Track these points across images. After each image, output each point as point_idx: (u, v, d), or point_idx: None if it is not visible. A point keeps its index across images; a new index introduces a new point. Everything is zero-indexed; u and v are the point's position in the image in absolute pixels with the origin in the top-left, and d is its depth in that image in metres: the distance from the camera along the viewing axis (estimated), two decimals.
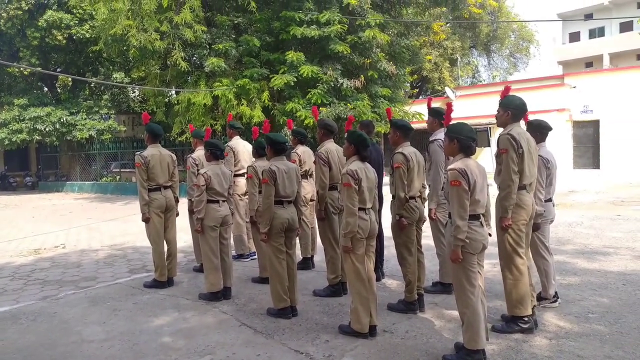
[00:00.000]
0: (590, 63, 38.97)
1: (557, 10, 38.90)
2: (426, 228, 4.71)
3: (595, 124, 20.12)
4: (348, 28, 13.83)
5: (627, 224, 8.37)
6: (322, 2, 14.16)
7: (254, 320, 4.24)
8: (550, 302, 4.27)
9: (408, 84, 29.74)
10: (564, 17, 38.33)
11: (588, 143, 20.51)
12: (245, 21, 14.49)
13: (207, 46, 14.20)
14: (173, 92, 16.42)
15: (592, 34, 39.83)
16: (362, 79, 14.03)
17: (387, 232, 4.60)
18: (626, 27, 35.29)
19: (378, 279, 5.00)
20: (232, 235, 5.47)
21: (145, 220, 5.28)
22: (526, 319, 3.71)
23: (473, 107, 20.71)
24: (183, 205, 5.80)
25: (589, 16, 37.55)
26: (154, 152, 5.32)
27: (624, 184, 15.72)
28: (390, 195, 4.33)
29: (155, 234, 5.33)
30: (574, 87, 20.15)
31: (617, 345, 3.46)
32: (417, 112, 16.04)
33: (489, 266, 5.31)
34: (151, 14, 13.18)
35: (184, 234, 7.12)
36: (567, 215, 9.34)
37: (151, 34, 13.08)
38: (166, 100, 16.52)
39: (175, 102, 14.75)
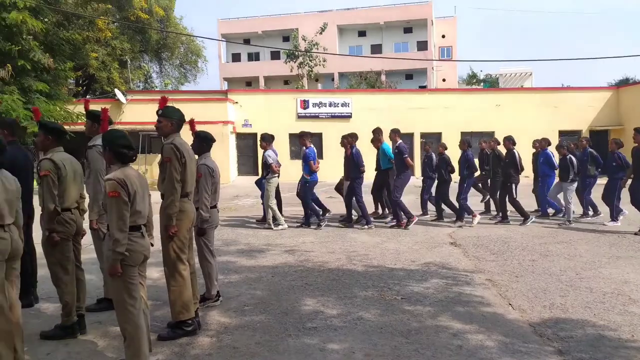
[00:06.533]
0: (250, 82, 44.33)
1: (221, 31, 42.63)
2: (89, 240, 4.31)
3: (254, 136, 22.93)
4: None
5: None
6: None
7: None
8: (213, 302, 4.56)
9: (72, 81, 26.98)
10: (227, 37, 42.33)
11: (249, 153, 23.17)
12: None
13: None
14: None
15: (250, 57, 45.48)
16: (10, 68, 11.88)
17: (39, 248, 3.99)
18: (276, 55, 41.73)
19: (30, 305, 4.35)
20: None
21: None
22: (190, 321, 3.84)
23: (145, 112, 20.39)
24: None
25: (247, 41, 42.65)
26: None
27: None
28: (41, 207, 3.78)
29: None
30: (237, 102, 22.43)
31: (266, 331, 3.97)
32: (83, 112, 14.72)
33: (160, 274, 5.30)
34: None
35: None
36: (233, 219, 10.24)
37: None
38: None
39: None
